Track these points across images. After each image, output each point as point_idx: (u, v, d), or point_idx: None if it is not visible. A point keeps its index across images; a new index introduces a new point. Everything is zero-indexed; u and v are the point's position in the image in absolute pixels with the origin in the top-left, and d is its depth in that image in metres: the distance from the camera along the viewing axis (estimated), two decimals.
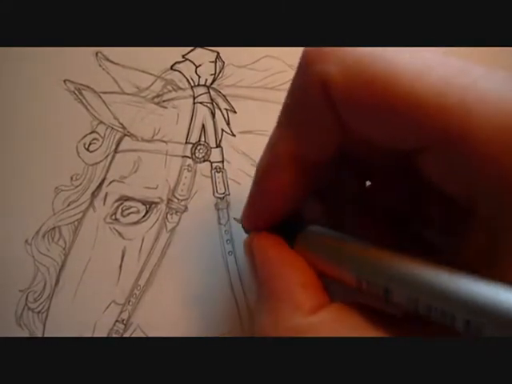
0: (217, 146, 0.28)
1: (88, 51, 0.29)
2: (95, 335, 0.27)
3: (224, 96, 0.29)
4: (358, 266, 0.17)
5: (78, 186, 0.28)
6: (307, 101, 0.17)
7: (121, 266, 0.27)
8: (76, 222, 0.28)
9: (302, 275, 0.18)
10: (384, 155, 0.18)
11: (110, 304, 0.27)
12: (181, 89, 0.29)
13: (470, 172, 0.14)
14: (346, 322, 0.16)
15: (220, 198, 0.28)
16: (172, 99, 0.29)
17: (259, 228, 0.21)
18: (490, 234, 0.15)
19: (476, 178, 0.14)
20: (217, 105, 0.29)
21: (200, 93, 0.29)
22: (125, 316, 0.27)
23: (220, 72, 0.29)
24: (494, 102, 0.14)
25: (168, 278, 0.27)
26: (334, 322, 0.17)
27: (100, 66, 0.29)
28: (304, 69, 0.17)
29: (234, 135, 0.29)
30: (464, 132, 0.14)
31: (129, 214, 0.28)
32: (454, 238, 0.17)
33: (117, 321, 0.27)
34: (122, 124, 0.28)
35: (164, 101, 0.29)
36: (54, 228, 0.28)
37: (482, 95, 0.14)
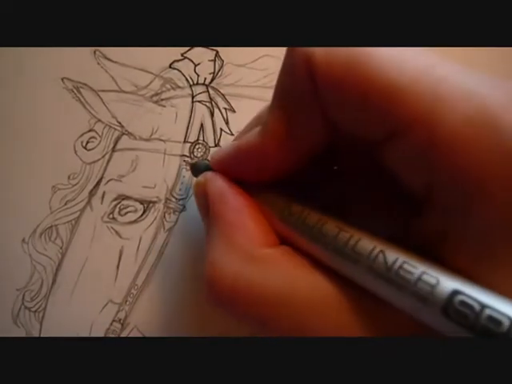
0: (215, 146, 0.28)
1: (86, 49, 0.28)
2: (92, 334, 0.27)
3: (223, 95, 0.29)
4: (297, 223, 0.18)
5: (75, 185, 0.28)
6: (292, 80, 0.17)
7: (118, 266, 0.27)
8: (73, 221, 0.28)
9: (256, 215, 0.20)
10: (355, 144, 0.18)
11: (107, 303, 0.27)
12: (179, 87, 0.29)
13: (433, 161, 0.14)
14: (293, 260, 0.18)
15: None
16: (170, 98, 0.29)
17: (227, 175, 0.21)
18: (442, 221, 0.15)
19: (437, 166, 0.14)
20: (216, 104, 0.29)
21: (199, 92, 0.29)
22: (122, 315, 0.27)
23: (219, 71, 0.29)
24: (464, 97, 0.14)
25: (165, 277, 0.27)
26: (283, 258, 0.18)
27: (98, 64, 0.28)
28: (291, 50, 0.18)
29: (232, 134, 0.29)
30: (431, 122, 0.14)
31: (126, 213, 0.28)
32: (404, 225, 0.18)
33: (114, 320, 0.27)
34: (119, 122, 0.28)
35: (162, 99, 0.29)
36: (51, 227, 0.28)
37: (453, 88, 0.14)
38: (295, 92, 0.17)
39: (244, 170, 0.20)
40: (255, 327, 0.18)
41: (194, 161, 0.26)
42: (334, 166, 0.22)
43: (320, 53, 0.16)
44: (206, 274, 0.19)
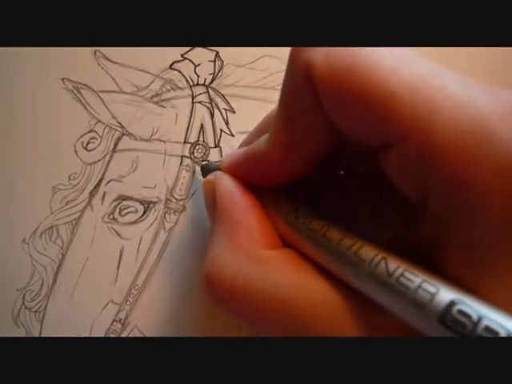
0: (215, 146, 0.28)
1: (86, 50, 0.28)
2: (92, 334, 0.27)
3: (223, 96, 0.29)
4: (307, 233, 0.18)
5: (75, 185, 0.28)
6: (294, 88, 0.18)
7: (118, 266, 0.27)
8: (74, 222, 0.28)
9: (261, 216, 0.20)
10: (358, 149, 0.18)
11: (107, 303, 0.27)
12: (179, 88, 0.29)
13: (428, 171, 0.15)
14: (295, 263, 0.18)
15: None
16: (171, 98, 0.29)
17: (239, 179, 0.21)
18: (436, 229, 0.15)
19: (432, 176, 0.15)
20: (216, 104, 0.29)
21: (199, 92, 0.29)
22: (122, 315, 0.27)
23: (219, 71, 0.29)
24: (460, 107, 0.14)
25: (166, 277, 0.27)
26: (284, 260, 0.18)
27: (98, 64, 0.29)
28: (292, 57, 0.18)
29: (232, 135, 0.29)
30: (428, 130, 0.14)
31: (127, 213, 0.28)
32: (404, 229, 0.18)
33: (114, 320, 0.27)
34: (120, 123, 0.28)
35: (163, 100, 0.29)
36: (51, 227, 0.28)
37: (450, 99, 0.14)
38: (297, 100, 0.18)
39: (252, 175, 0.21)
40: (252, 327, 0.18)
41: (204, 162, 0.27)
42: (340, 170, 0.23)
43: (319, 60, 0.16)
44: (206, 270, 0.19)
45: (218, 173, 0.22)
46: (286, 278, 0.17)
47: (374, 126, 0.15)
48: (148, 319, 0.27)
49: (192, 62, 0.29)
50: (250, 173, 0.21)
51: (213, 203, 0.21)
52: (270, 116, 0.24)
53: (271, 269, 0.18)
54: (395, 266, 0.15)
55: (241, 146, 0.26)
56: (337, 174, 0.23)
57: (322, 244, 0.17)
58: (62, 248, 0.28)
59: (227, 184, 0.21)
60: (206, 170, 0.25)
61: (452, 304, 0.14)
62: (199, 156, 0.28)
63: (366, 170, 0.20)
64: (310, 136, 0.18)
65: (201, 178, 0.27)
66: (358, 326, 0.16)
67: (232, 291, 0.18)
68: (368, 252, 0.16)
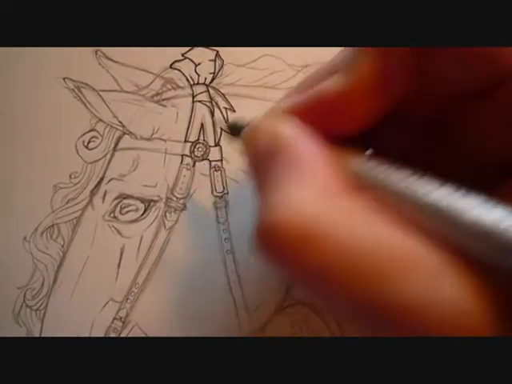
0: (216, 145, 0.28)
1: (87, 49, 0.28)
2: (93, 333, 0.27)
3: (223, 95, 0.29)
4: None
5: (76, 184, 0.28)
6: None
7: (119, 264, 0.27)
8: (74, 220, 0.28)
9: (333, 163, 0.17)
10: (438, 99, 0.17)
11: (108, 302, 0.27)
12: (180, 87, 0.29)
13: None
14: (376, 213, 0.15)
15: (218, 196, 0.28)
16: (171, 98, 0.29)
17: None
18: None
19: None
20: (216, 103, 0.29)
21: (199, 91, 0.29)
22: (123, 314, 0.27)
23: (219, 70, 0.29)
24: None
25: (166, 276, 0.27)
26: (367, 208, 0.15)
27: (99, 64, 0.29)
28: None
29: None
30: None
31: (127, 212, 0.28)
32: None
33: (115, 318, 0.27)
34: (121, 122, 0.28)
35: (163, 99, 0.29)
36: (52, 225, 0.28)
37: None
38: None
39: (323, 119, 0.18)
40: (317, 286, 0.14)
41: (233, 121, 0.23)
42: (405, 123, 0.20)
43: None
44: (270, 215, 0.15)
45: (280, 115, 0.19)
46: (373, 229, 0.14)
47: (483, 65, 0.14)
48: (148, 317, 0.27)
49: (192, 62, 0.29)
50: (319, 116, 0.18)
51: (269, 148, 0.18)
52: (336, 60, 0.19)
53: (356, 215, 0.15)
54: (498, 214, 0.13)
55: (293, 94, 0.21)
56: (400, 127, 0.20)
57: (409, 196, 0.15)
58: (62, 246, 0.28)
59: (294, 126, 0.18)
60: (237, 128, 0.22)
61: None
62: (199, 155, 0.28)
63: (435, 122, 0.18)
64: (400, 73, 0.16)
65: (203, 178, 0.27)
66: (464, 284, 0.13)
67: (308, 238, 0.14)
68: (463, 201, 0.14)
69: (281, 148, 0.17)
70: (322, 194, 0.15)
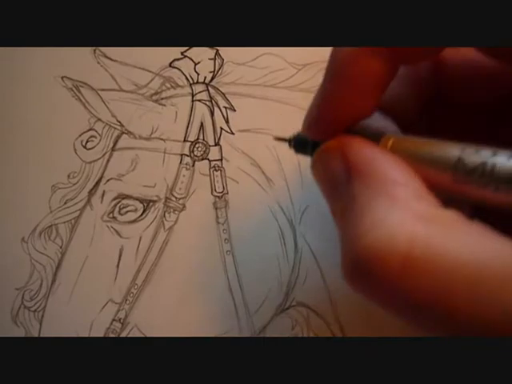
0: (215, 145, 0.28)
1: (86, 48, 0.28)
2: (92, 334, 0.27)
3: (223, 94, 0.29)
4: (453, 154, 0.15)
5: (75, 184, 0.28)
6: None
7: (118, 265, 0.27)
8: (73, 221, 0.28)
9: (413, 173, 0.16)
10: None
11: (107, 303, 0.27)
12: (179, 86, 0.29)
13: None
14: (471, 225, 0.14)
15: (218, 196, 0.28)
16: (170, 97, 0.29)
17: (330, 132, 0.18)
18: None
19: None
20: (216, 103, 0.29)
21: (199, 90, 0.29)
22: (122, 315, 0.27)
23: (219, 69, 0.29)
24: None
25: (165, 276, 0.27)
26: (461, 221, 0.14)
27: (98, 62, 0.28)
28: None
29: (232, 133, 0.28)
30: None
31: (126, 212, 0.28)
32: None
33: (114, 320, 0.27)
34: (119, 122, 0.28)
35: (162, 98, 0.29)
36: (50, 226, 0.28)
37: None
38: None
39: (348, 95, 0.17)
40: (420, 311, 0.13)
41: (294, 135, 0.22)
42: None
43: None
44: (362, 244, 0.14)
45: (342, 136, 0.18)
46: (473, 244, 0.13)
47: None
48: (148, 318, 0.27)
49: (192, 60, 0.29)
50: (341, 92, 0.17)
51: (342, 170, 0.17)
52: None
53: (453, 231, 0.14)
54: None
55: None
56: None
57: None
58: (61, 247, 0.28)
59: (362, 144, 0.17)
60: (302, 143, 0.21)
61: None
62: (199, 154, 0.28)
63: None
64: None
65: (203, 178, 0.27)
66: None
67: (408, 263, 0.13)
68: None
69: (355, 168, 0.16)
70: (416, 214, 0.14)
